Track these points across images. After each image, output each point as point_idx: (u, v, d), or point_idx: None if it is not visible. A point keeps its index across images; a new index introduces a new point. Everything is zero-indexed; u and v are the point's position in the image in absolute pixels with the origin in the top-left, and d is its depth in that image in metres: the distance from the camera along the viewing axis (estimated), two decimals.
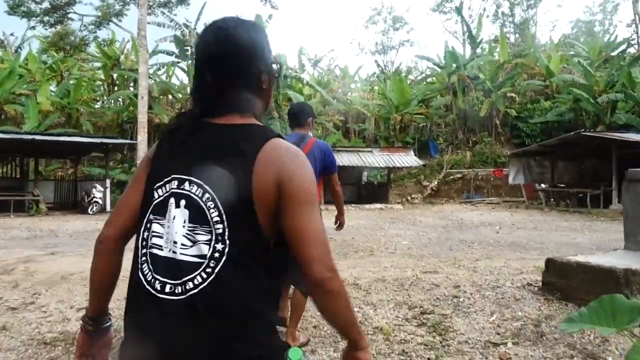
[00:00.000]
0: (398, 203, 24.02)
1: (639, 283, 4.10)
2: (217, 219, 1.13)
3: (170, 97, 30.72)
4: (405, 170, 26.66)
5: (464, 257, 7.78)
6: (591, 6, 65.91)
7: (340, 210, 4.05)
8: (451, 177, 26.91)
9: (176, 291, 1.11)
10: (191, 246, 1.14)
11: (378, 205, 21.81)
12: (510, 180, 21.62)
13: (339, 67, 37.25)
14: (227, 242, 1.12)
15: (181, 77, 33.76)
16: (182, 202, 1.17)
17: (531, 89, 29.87)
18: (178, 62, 28.70)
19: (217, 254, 1.11)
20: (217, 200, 1.14)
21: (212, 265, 1.11)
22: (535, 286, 4.84)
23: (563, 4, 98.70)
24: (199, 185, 1.16)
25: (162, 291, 1.12)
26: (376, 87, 35.76)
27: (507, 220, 15.79)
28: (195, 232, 1.14)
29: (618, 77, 24.52)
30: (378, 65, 43.84)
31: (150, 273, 1.16)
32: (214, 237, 1.13)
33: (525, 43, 35.11)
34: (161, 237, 1.18)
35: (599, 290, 4.12)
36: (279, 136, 1.23)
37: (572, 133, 18.14)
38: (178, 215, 1.17)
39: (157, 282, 1.14)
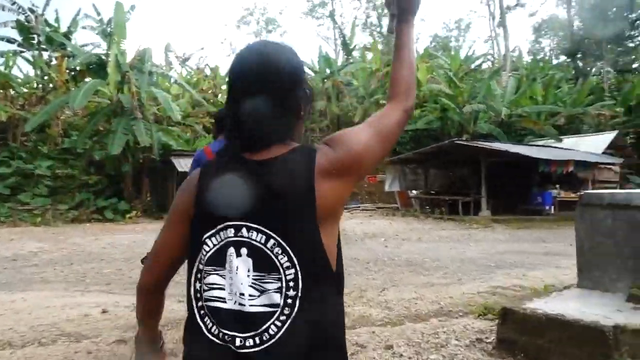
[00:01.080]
0: None
1: (630, 343, 3.16)
2: (288, 264, 1.10)
3: (11, 91, 26.26)
4: None
5: (367, 285, 6.68)
6: (447, 23, 70.82)
7: None
8: None
9: (247, 344, 1.08)
10: (259, 296, 1.10)
11: None
12: (386, 187, 21.45)
13: (209, 67, 35.05)
14: (300, 286, 1.09)
15: (26, 69, 29.15)
16: (244, 251, 1.12)
17: None
18: (22, 52, 24.59)
19: (289, 300, 1.09)
20: (284, 245, 1.10)
21: (286, 312, 1.09)
22: (487, 343, 3.78)
23: (425, 18, 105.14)
24: (259, 231, 1.11)
25: (234, 344, 1.09)
26: None
27: (389, 230, 15.29)
28: (263, 280, 1.11)
29: (480, 89, 25.77)
30: None
31: (214, 327, 1.13)
32: (284, 284, 1.10)
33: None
34: (223, 289, 1.13)
35: (580, 353, 3.12)
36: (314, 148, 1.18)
37: (447, 142, 18.33)
38: (241, 265, 1.11)
39: (226, 335, 1.10)
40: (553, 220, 18.23)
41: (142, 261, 3.21)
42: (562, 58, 46.21)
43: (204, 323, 1.15)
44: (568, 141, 22.65)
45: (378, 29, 46.62)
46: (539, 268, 7.92)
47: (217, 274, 1.13)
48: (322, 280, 1.13)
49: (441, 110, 25.94)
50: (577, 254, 4.18)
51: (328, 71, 29.38)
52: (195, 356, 1.18)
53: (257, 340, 1.08)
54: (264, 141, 1.16)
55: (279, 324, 1.08)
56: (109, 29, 21.72)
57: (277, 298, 1.09)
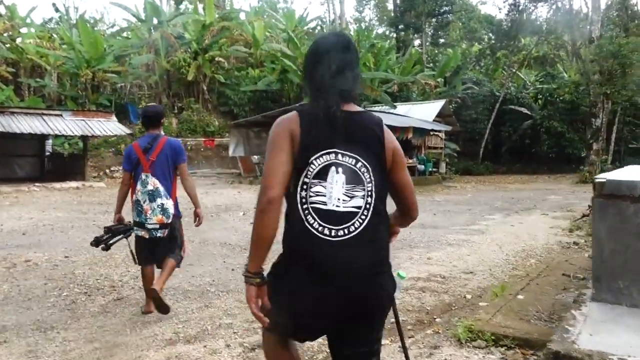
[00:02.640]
0: (96, 178, 19.52)
1: None
2: (369, 179, 1.72)
3: None
4: (100, 138, 21.86)
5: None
6: None
7: (196, 203, 4.28)
8: None
9: (339, 234, 1.65)
10: (349, 201, 1.68)
11: (72, 184, 17.02)
12: (230, 152, 19.72)
13: (4, 5, 28.64)
14: (373, 196, 1.72)
15: None
16: (340, 169, 1.69)
17: (235, 56, 28.44)
18: None
19: (367, 205, 1.70)
20: (368, 167, 1.72)
21: (365, 213, 1.70)
22: None
23: None
24: (350, 157, 1.70)
25: (330, 235, 1.65)
26: (56, 35, 28.80)
27: (241, 200, 13.79)
28: (353, 190, 1.69)
29: None
30: (57, 10, 35.79)
31: (316, 222, 1.65)
32: (366, 193, 1.71)
33: (230, 7, 33.46)
34: (324, 196, 1.67)
35: None
36: None
37: (300, 104, 17.15)
38: (338, 179, 1.68)
39: (325, 228, 1.65)
40: None
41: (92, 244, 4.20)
42: (382, 29, 48.45)
43: (307, 220, 1.66)
44: (402, 108, 23.28)
45: None
46: (435, 248, 7.25)
47: (320, 185, 1.68)
48: (384, 196, 1.78)
49: (281, 71, 24.74)
50: (594, 259, 3.27)
51: (156, 21, 26.07)
52: (299, 244, 1.70)
53: (346, 231, 1.66)
54: (347, 99, 1.77)
55: (360, 220, 1.69)
56: None
57: (361, 202, 1.70)
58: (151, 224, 4.00)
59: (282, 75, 24.73)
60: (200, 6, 29.98)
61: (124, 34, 30.42)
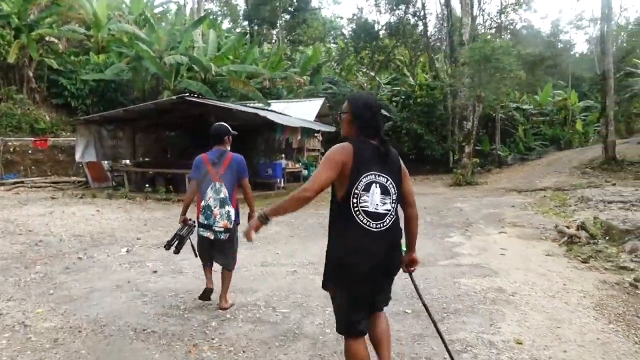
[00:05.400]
0: None
1: None
2: (393, 192, 2.70)
3: None
4: None
5: None
6: None
7: (252, 209, 4.80)
8: None
9: (377, 227, 2.63)
10: (383, 205, 2.65)
11: None
12: (78, 156, 14.92)
13: None
14: (395, 202, 2.72)
15: None
16: (377, 185, 2.64)
17: (70, 37, 22.85)
18: None
19: (392, 208, 2.68)
20: (393, 184, 2.71)
21: (392, 213, 2.69)
22: None
23: None
24: (383, 177, 2.67)
25: (373, 227, 2.62)
26: None
27: (110, 224, 9.87)
28: (384, 199, 2.66)
29: (181, 38, 21.21)
30: None
31: (364, 219, 2.60)
32: (392, 201, 2.69)
33: None
34: (367, 202, 2.61)
35: None
36: None
37: (176, 97, 13.37)
38: (376, 192, 2.63)
39: (371, 223, 2.61)
40: (285, 194, 15.87)
41: (165, 247, 4.86)
42: (227, 24, 45.15)
43: (358, 217, 2.60)
44: (276, 106, 20.61)
45: None
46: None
47: (366, 195, 2.61)
48: (397, 204, 2.76)
49: (135, 58, 20.23)
50: None
51: None
52: (352, 234, 2.62)
53: (381, 225, 2.64)
54: (379, 135, 2.73)
55: (389, 218, 2.68)
56: None
57: (389, 207, 2.67)
58: (218, 227, 4.53)
59: (135, 62, 20.21)
60: None
61: None
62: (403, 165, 2.83)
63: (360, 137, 2.68)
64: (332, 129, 19.42)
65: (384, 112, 29.36)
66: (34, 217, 10.49)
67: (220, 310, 4.72)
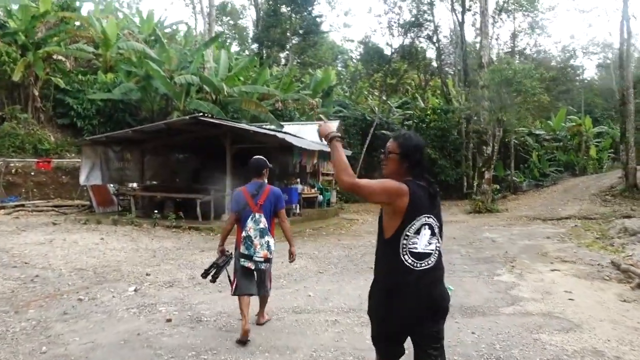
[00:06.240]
0: None
1: None
2: (438, 233, 2.66)
3: None
4: None
5: None
6: None
7: (291, 242, 4.94)
8: None
9: (423, 265, 2.58)
10: (429, 245, 2.60)
11: None
12: (82, 179, 13.93)
13: None
14: (440, 242, 2.67)
15: None
16: (427, 227, 2.60)
17: (78, 57, 22.13)
18: None
19: (437, 248, 2.64)
20: (438, 225, 2.66)
21: (436, 253, 2.63)
22: None
23: None
24: (432, 218, 2.62)
25: (417, 266, 2.56)
26: None
27: (115, 255, 8.85)
28: (431, 239, 2.61)
29: (191, 59, 20.46)
30: None
31: (409, 259, 2.56)
32: (437, 241, 2.64)
33: None
34: (417, 244, 2.56)
35: None
36: None
37: (189, 117, 12.48)
38: (426, 234, 2.59)
39: (416, 263, 2.56)
40: (302, 221, 14.84)
41: (202, 276, 4.80)
42: (236, 47, 44.76)
43: (404, 257, 2.56)
44: (289, 128, 19.68)
45: None
46: None
47: (416, 237, 2.57)
48: (441, 242, 2.71)
49: (145, 77, 19.43)
50: None
51: None
52: (398, 274, 2.58)
53: (426, 263, 2.59)
54: (425, 176, 2.67)
55: (434, 257, 2.62)
56: None
57: (434, 247, 2.62)
58: (259, 257, 4.62)
59: (144, 82, 19.41)
60: None
61: None
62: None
63: (410, 178, 2.63)
64: (349, 152, 18.45)
65: (392, 134, 28.64)
66: (32, 245, 9.46)
67: None
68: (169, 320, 5.24)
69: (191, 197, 13.13)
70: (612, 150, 34.73)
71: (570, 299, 6.16)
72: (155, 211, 12.60)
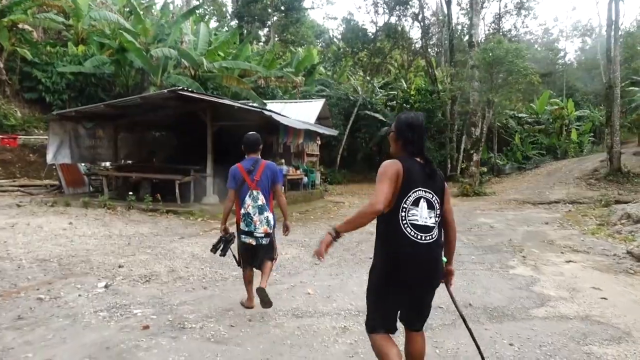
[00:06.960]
0: None
1: None
2: (438, 207, 2.72)
3: None
4: None
5: None
6: None
7: (285, 215, 4.86)
8: None
9: (426, 239, 2.65)
10: (430, 219, 2.68)
11: None
12: (49, 157, 12.68)
13: None
14: (438, 217, 2.73)
15: None
16: (425, 200, 2.68)
17: (47, 27, 20.54)
18: None
19: (436, 222, 2.71)
20: (437, 199, 2.72)
21: (436, 227, 2.71)
22: None
23: None
24: (429, 192, 2.69)
25: (420, 239, 2.63)
26: None
27: (84, 242, 7.84)
28: (430, 213, 2.68)
29: (169, 31, 19.11)
30: None
31: (412, 231, 2.63)
32: (435, 215, 2.71)
33: None
34: (416, 215, 2.65)
35: None
36: None
37: (167, 90, 11.29)
38: (424, 206, 2.67)
39: (417, 235, 2.63)
40: (287, 204, 13.92)
41: (212, 250, 4.90)
42: (214, 23, 43.00)
43: (406, 230, 2.62)
44: (273, 106, 18.60)
45: None
46: None
47: (414, 209, 2.65)
48: (440, 219, 2.77)
49: (117, 50, 18.04)
50: None
51: None
52: (401, 246, 2.63)
53: (430, 237, 2.66)
54: (423, 153, 2.76)
55: (436, 231, 2.70)
56: None
57: (434, 220, 2.70)
58: (259, 233, 4.58)
59: (118, 55, 18.03)
60: None
61: None
62: (446, 186, 2.86)
63: (405, 155, 2.76)
64: (335, 132, 17.61)
65: (379, 116, 27.79)
66: None
67: None
68: (145, 328, 4.32)
69: (169, 177, 12.08)
70: (592, 134, 34.61)
71: (602, 298, 5.43)
72: (130, 193, 11.50)
